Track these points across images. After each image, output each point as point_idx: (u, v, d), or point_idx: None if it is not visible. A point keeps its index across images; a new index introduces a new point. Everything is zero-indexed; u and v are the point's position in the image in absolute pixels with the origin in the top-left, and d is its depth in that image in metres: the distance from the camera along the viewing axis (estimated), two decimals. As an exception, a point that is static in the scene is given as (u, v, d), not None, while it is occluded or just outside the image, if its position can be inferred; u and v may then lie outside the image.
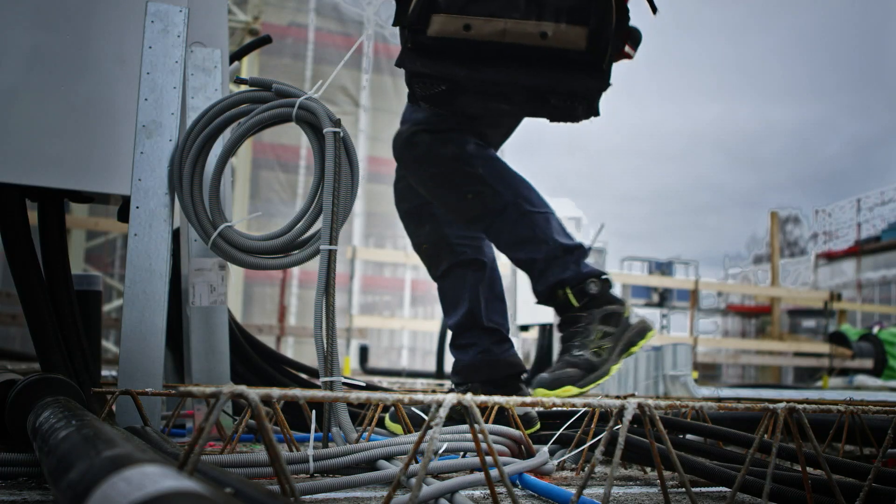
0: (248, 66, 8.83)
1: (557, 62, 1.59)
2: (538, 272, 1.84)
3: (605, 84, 1.68)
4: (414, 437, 1.32)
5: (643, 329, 1.87)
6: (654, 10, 1.73)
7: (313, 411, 1.38)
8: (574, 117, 1.71)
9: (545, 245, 1.82)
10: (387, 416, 1.85)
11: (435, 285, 2.04)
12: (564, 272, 1.81)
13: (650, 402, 0.84)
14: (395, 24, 1.73)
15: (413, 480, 0.95)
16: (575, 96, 1.64)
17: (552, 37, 1.55)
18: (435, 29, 1.55)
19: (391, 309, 11.32)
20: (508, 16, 1.55)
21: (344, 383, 1.89)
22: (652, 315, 18.44)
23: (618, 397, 1.40)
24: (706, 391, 3.65)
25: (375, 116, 10.13)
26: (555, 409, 1.59)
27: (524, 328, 5.49)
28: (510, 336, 2.01)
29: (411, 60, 1.63)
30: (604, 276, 1.87)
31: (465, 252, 1.96)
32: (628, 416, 0.81)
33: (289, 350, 8.93)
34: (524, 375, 1.99)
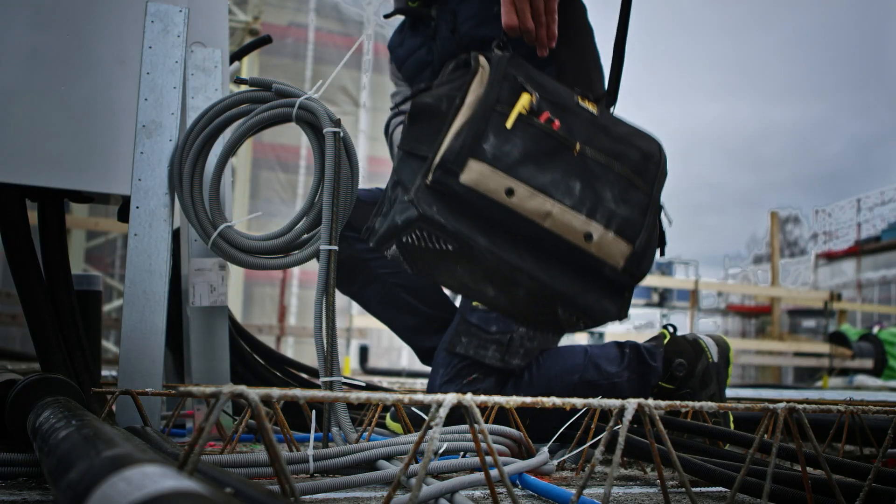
0: (248, 66, 8.83)
1: (587, 271, 1.37)
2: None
3: (622, 312, 1.47)
4: (414, 437, 1.32)
5: (724, 353, 1.81)
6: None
7: (313, 411, 1.38)
8: (561, 331, 1.55)
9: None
10: (388, 415, 1.85)
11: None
12: (648, 388, 1.69)
13: (650, 401, 0.84)
14: (400, 143, 1.47)
15: (413, 480, 0.95)
16: (585, 314, 1.42)
17: (596, 242, 1.32)
18: (472, 178, 1.26)
19: (391, 309, 11.27)
20: (559, 198, 1.30)
21: (344, 383, 1.89)
22: (652, 315, 18.46)
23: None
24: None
25: (375, 116, 10.12)
26: (555, 409, 1.58)
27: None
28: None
29: (428, 201, 1.29)
30: (670, 338, 1.74)
31: (381, 267, 1.86)
32: (628, 416, 0.81)
33: (289, 350, 8.93)
34: None
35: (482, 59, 1.38)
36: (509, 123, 1.29)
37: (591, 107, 1.41)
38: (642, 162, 1.40)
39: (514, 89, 1.33)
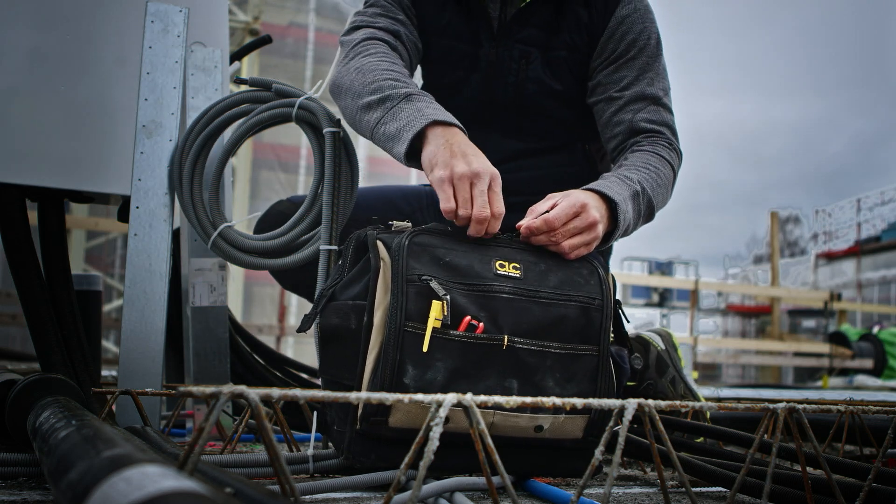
0: (248, 66, 8.83)
1: (545, 449, 1.27)
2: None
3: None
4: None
5: (668, 339, 1.83)
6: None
7: (314, 412, 1.38)
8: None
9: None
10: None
11: None
12: (621, 388, 1.67)
13: (650, 402, 0.84)
14: (321, 370, 1.34)
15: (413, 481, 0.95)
16: (556, 475, 1.33)
17: (548, 429, 1.22)
18: (400, 419, 1.16)
19: (391, 309, 11.24)
20: (497, 407, 1.13)
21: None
22: (652, 315, 18.47)
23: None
24: (706, 391, 3.65)
25: (375, 116, 10.08)
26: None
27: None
28: None
29: (365, 452, 1.19)
30: (620, 324, 1.70)
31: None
32: (628, 416, 0.81)
33: (289, 350, 8.92)
34: None
35: (381, 250, 1.20)
36: (425, 346, 1.15)
37: (512, 271, 1.23)
38: (582, 317, 1.24)
39: (422, 294, 1.16)
